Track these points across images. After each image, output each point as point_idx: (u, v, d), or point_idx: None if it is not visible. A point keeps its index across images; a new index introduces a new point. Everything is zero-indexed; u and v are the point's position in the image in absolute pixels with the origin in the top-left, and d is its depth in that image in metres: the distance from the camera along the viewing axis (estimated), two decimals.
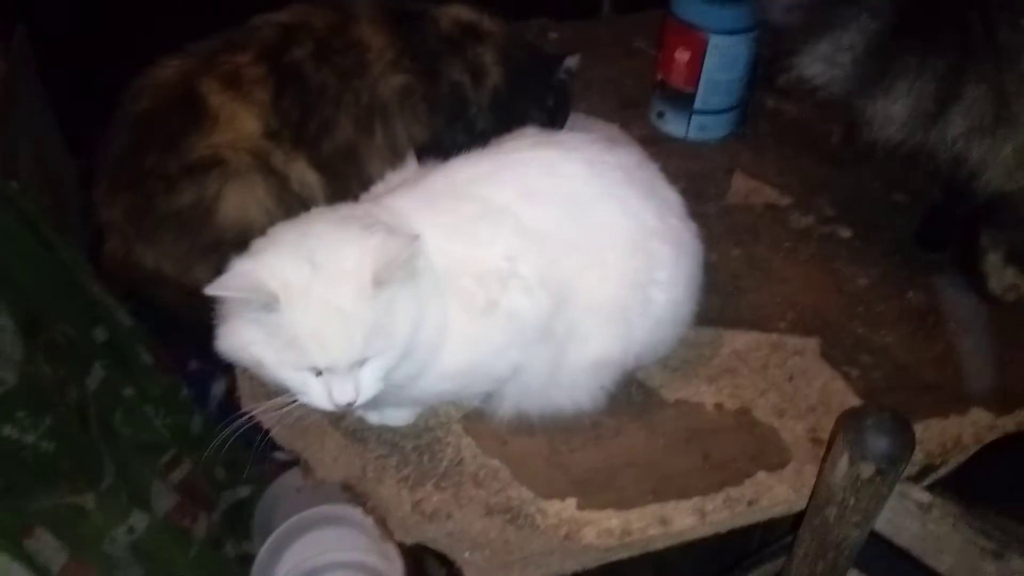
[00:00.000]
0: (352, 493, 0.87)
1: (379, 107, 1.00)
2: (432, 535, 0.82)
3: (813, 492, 0.77)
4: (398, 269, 0.70)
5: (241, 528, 1.62)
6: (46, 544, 1.08)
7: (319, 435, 0.90)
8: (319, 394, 0.73)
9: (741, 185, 1.24)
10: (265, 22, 1.00)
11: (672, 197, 0.89)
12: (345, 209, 0.79)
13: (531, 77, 1.10)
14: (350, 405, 0.73)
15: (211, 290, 0.68)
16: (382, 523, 0.84)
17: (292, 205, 0.96)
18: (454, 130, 1.07)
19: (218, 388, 1.88)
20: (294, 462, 1.72)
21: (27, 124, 1.63)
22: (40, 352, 1.25)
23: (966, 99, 0.83)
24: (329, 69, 0.99)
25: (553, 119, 1.14)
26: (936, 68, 0.83)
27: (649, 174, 0.88)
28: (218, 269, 0.94)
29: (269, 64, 0.97)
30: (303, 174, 0.97)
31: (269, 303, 0.69)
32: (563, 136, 0.88)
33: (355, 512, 1.57)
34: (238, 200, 0.93)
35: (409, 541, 0.83)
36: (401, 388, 0.78)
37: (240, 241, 0.93)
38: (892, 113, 0.85)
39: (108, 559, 1.24)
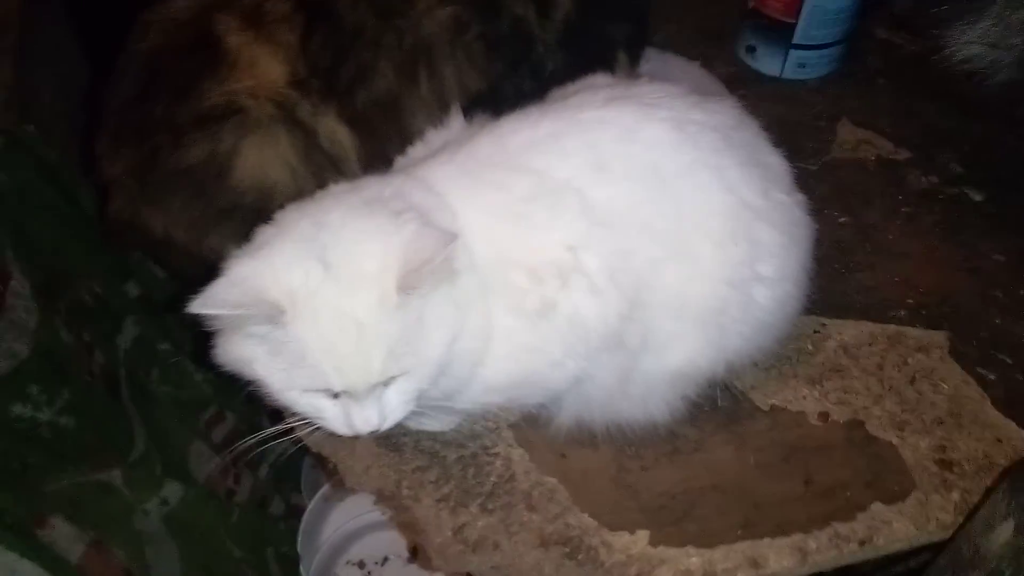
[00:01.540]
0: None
1: (423, 49, 0.84)
2: (476, 567, 0.70)
3: (950, 546, 0.62)
4: (430, 273, 0.56)
5: (291, 481, 1.55)
6: (62, 533, 1.00)
7: (349, 440, 0.77)
8: (336, 419, 0.60)
9: (848, 135, 1.05)
10: None
11: (777, 164, 0.71)
12: (371, 187, 0.64)
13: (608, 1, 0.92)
14: (374, 432, 0.60)
15: (196, 308, 0.54)
16: (418, 548, 0.72)
17: (321, 165, 0.82)
18: (518, 76, 0.90)
19: None
20: None
21: (48, 58, 1.51)
22: (60, 317, 1.16)
23: None
24: (367, 6, 0.83)
25: (632, 49, 0.96)
26: None
27: (750, 135, 0.71)
28: (240, 235, 0.81)
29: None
30: (333, 129, 0.83)
31: (273, 315, 0.55)
32: (643, 88, 0.71)
33: None
34: (257, 156, 0.80)
35: (449, 571, 0.71)
36: (438, 403, 0.65)
37: (260, 206, 0.80)
38: None
39: (138, 537, 1.17)
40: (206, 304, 0.54)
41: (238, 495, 1.38)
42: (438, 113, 0.82)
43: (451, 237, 0.56)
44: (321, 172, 0.81)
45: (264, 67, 0.80)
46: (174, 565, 1.21)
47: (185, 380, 1.41)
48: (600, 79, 0.74)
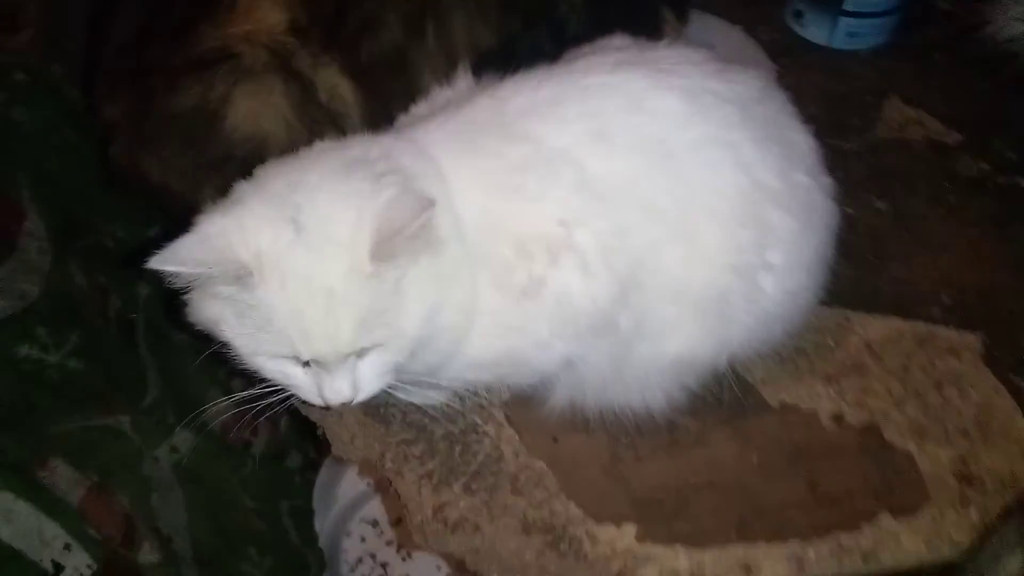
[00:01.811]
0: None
1: (431, 0, 0.79)
2: (454, 548, 0.67)
3: (957, 572, 0.57)
4: (406, 242, 0.52)
5: (311, 434, 1.54)
6: (63, 475, 1.01)
7: None
8: (307, 388, 0.57)
9: (896, 114, 0.97)
10: None
11: (803, 142, 0.65)
12: (358, 146, 0.61)
13: None
14: (346, 405, 0.57)
15: (157, 264, 0.52)
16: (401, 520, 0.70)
17: (318, 119, 0.78)
18: (536, 34, 0.85)
19: None
20: None
21: None
22: (76, 259, 1.16)
23: None
24: None
25: (677, 5, 0.91)
26: None
27: (774, 109, 0.65)
28: (225, 190, 0.78)
29: None
30: (334, 82, 0.79)
31: (239, 276, 0.52)
32: (658, 53, 0.65)
33: None
34: (250, 106, 0.76)
35: (427, 550, 0.69)
36: (421, 377, 0.62)
37: (252, 159, 0.77)
38: None
39: (145, 483, 1.17)
40: (168, 260, 0.52)
41: (254, 446, 1.37)
42: (446, 70, 0.78)
43: (428, 204, 0.52)
44: (318, 127, 0.77)
45: (263, 12, 0.76)
46: (180, 513, 1.22)
47: None
48: (617, 40, 0.68)
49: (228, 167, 0.78)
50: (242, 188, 0.58)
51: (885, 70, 1.02)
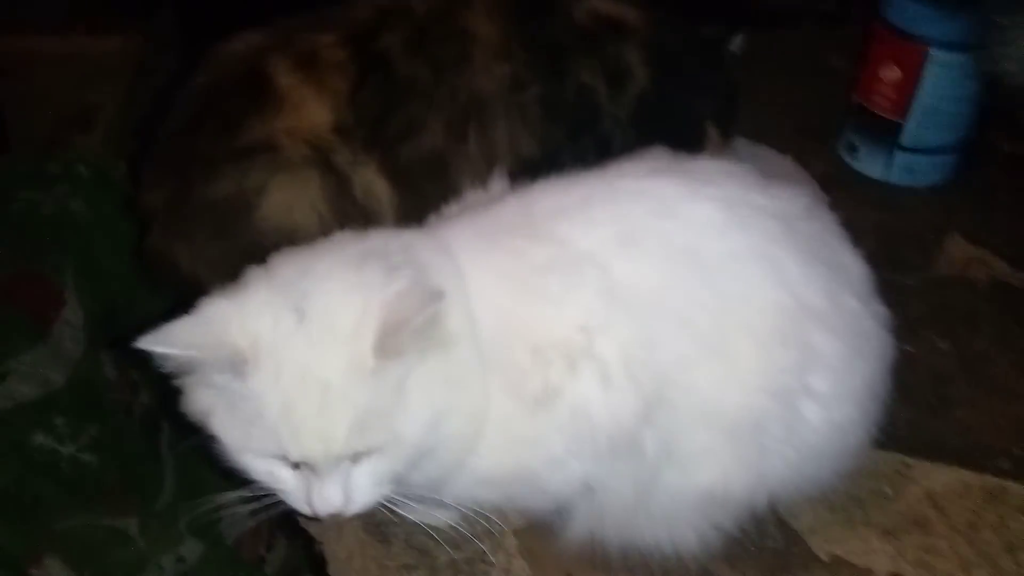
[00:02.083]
0: None
1: (476, 106, 0.79)
2: None
3: None
4: (412, 337, 0.48)
5: None
6: (55, 574, 0.96)
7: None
8: (296, 494, 0.52)
9: (958, 252, 0.93)
10: (363, 1, 0.83)
11: (852, 264, 0.61)
12: (376, 239, 0.58)
13: (689, 73, 0.87)
14: (337, 516, 0.52)
15: (146, 344, 0.49)
16: None
17: (351, 215, 0.77)
18: (579, 146, 0.84)
19: None
20: None
21: (158, 100, 1.58)
22: (110, 351, 1.15)
23: None
24: (423, 60, 0.80)
25: (721, 122, 0.90)
26: None
27: (820, 228, 0.61)
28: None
29: (354, 49, 0.80)
30: (371, 181, 0.78)
31: (234, 364, 0.49)
32: (697, 164, 0.63)
33: None
34: (284, 197, 0.76)
35: None
36: (423, 493, 0.57)
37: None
38: None
39: None
40: (158, 341, 0.49)
41: (268, 563, 1.30)
42: (486, 175, 0.77)
43: (437, 296, 0.48)
44: (350, 223, 0.76)
45: (310, 110, 0.77)
46: None
47: None
48: (655, 151, 0.66)
49: (257, 257, 0.77)
50: (253, 273, 0.56)
51: (944, 207, 0.98)
